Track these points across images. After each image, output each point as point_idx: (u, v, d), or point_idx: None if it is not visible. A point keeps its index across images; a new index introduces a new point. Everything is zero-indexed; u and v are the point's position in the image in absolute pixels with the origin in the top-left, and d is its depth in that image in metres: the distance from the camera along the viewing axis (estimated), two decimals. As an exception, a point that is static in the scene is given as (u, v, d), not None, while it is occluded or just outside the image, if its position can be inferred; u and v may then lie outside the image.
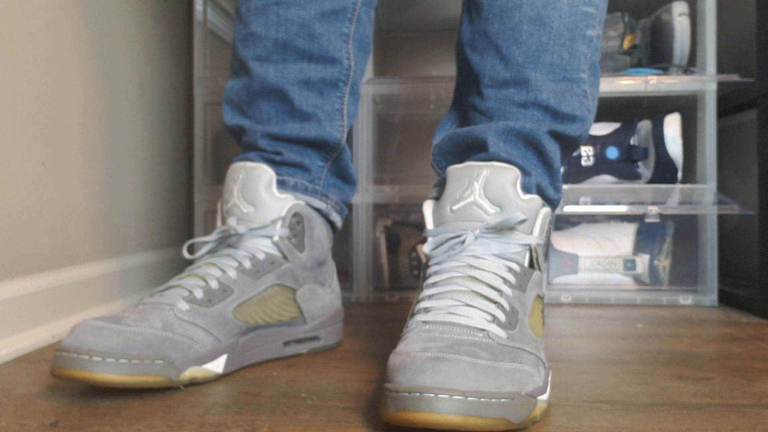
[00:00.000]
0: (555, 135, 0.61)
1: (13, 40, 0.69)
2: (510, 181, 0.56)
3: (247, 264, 0.63)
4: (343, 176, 0.74)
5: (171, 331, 0.55)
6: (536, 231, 0.57)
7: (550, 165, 0.61)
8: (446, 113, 0.70)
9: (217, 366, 0.58)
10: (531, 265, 0.56)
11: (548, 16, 0.60)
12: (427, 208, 0.60)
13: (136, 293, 0.96)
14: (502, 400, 0.42)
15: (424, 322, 0.50)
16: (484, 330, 0.48)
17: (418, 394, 0.41)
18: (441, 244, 0.57)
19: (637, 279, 1.06)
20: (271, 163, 0.68)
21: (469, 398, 0.41)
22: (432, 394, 0.41)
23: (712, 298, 1.01)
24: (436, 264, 0.56)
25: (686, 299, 1.01)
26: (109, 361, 0.50)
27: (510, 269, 0.54)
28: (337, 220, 0.73)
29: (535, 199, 0.56)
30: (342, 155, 0.72)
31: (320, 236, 0.70)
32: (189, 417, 0.48)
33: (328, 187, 0.73)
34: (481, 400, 0.41)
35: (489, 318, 0.50)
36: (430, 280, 0.54)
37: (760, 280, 0.92)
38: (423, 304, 0.52)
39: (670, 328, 0.83)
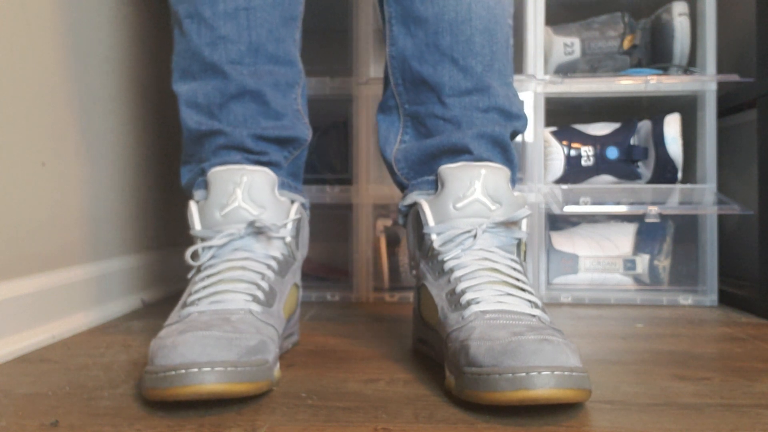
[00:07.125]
0: (513, 134, 0.68)
1: (13, 40, 0.69)
2: (504, 179, 0.61)
3: (274, 264, 0.63)
4: (296, 175, 0.74)
5: (262, 333, 0.53)
6: (523, 226, 0.62)
7: (512, 161, 0.67)
8: (383, 125, 0.72)
9: (278, 365, 0.58)
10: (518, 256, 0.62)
11: (494, 29, 0.66)
12: (426, 206, 0.62)
13: (136, 293, 0.96)
14: (585, 374, 0.47)
15: (483, 312, 0.53)
16: (534, 315, 0.53)
17: (536, 373, 0.44)
18: (450, 240, 0.60)
19: (637, 279, 1.05)
20: (259, 164, 0.68)
21: (574, 373, 0.46)
22: (549, 372, 0.44)
23: (712, 298, 1.01)
24: (454, 258, 0.59)
25: (686, 299, 1.01)
26: (230, 370, 0.47)
27: (513, 260, 0.59)
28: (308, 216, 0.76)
29: (522, 195, 0.62)
30: (303, 153, 0.74)
31: (306, 234, 0.71)
32: (189, 417, 0.48)
33: None
34: (581, 374, 0.46)
35: (530, 304, 0.55)
36: (457, 273, 0.57)
37: (760, 280, 0.92)
38: (468, 296, 0.55)
39: (670, 328, 0.83)
